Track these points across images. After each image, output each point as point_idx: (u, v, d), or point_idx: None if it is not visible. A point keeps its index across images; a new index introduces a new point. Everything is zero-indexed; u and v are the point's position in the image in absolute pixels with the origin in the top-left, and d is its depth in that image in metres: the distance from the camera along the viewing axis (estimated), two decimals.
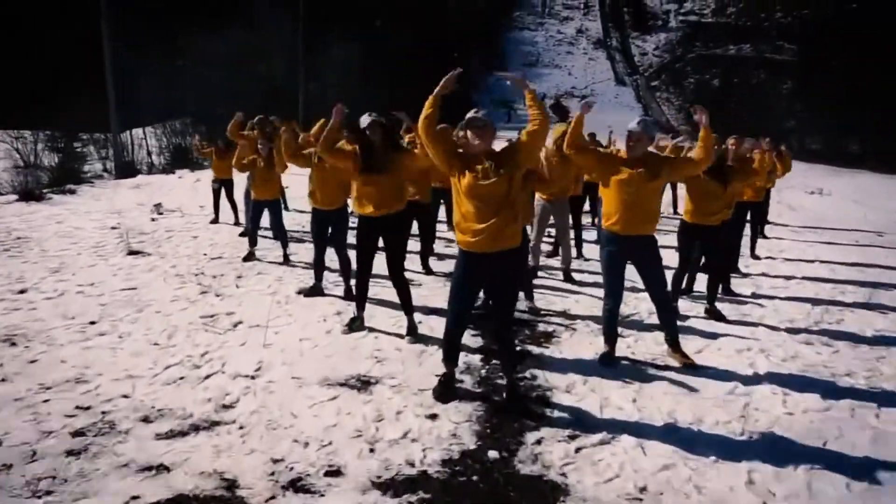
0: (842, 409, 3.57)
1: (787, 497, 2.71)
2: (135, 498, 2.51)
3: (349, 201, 5.13)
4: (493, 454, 2.96)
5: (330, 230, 5.60)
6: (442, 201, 7.29)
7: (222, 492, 2.58)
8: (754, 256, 7.84)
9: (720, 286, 5.54)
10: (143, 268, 6.55)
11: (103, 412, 3.28)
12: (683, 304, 5.41)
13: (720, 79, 62.59)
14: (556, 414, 3.42)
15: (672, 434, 3.21)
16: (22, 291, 5.57)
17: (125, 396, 3.49)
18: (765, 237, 9.26)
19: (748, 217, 7.40)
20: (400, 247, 4.69)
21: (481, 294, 3.89)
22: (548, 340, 4.62)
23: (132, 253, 7.19)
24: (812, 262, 7.83)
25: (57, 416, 3.23)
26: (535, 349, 4.41)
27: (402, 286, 4.57)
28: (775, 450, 3.08)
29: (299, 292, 5.74)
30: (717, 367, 4.15)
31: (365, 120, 4.35)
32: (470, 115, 3.31)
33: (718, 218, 5.13)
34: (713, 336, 4.77)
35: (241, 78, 27.04)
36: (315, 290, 5.67)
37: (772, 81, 57.19)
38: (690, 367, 4.07)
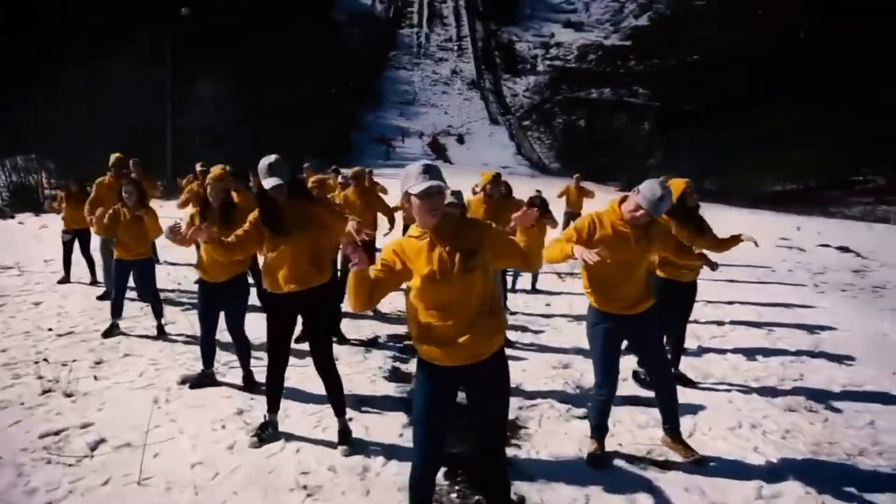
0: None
1: None
2: None
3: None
4: None
5: (223, 306, 4.35)
6: None
7: None
8: None
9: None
10: None
11: None
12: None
13: (585, 120, 66.94)
14: None
15: None
16: None
17: None
18: None
19: None
20: (325, 330, 3.62)
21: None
22: (514, 434, 3.75)
23: None
24: (731, 303, 7.69)
25: None
26: (509, 450, 3.51)
27: (333, 378, 3.51)
28: None
29: (183, 382, 4.44)
30: (720, 457, 3.49)
31: (269, 181, 3.21)
32: (412, 170, 2.31)
33: (693, 273, 4.63)
34: (692, 411, 4.14)
35: (97, 112, 24.21)
36: (204, 379, 4.40)
37: (631, 123, 62.08)
38: (697, 463, 3.37)
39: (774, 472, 3.31)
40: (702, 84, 51.31)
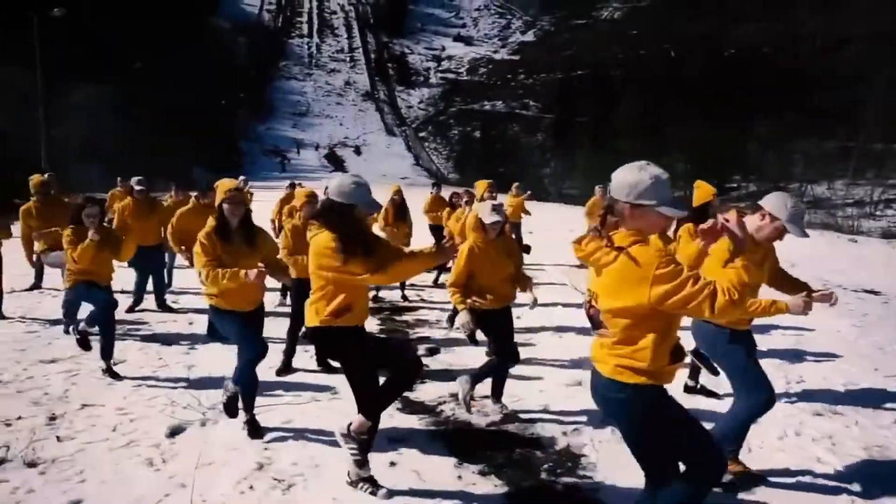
0: None
1: None
2: None
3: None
4: None
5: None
6: None
7: None
8: None
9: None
10: None
11: None
12: None
13: (480, 131, 68.47)
14: None
15: None
16: None
17: None
18: None
19: None
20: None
21: None
22: (575, 463, 3.46)
23: None
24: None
25: None
26: (577, 480, 3.22)
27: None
28: None
29: (172, 434, 3.74)
30: (787, 468, 3.42)
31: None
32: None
33: None
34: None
35: None
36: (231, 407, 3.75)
37: (525, 134, 64.29)
38: (756, 479, 3.25)
39: (842, 476, 3.27)
40: (590, 96, 54.22)
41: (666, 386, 2.20)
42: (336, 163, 63.53)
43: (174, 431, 3.80)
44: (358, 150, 69.50)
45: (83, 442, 3.65)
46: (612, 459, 3.45)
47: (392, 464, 3.41)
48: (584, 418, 4.06)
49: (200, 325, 6.06)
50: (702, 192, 4.40)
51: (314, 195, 4.87)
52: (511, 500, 3.10)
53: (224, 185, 3.71)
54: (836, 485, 3.24)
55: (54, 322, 6.03)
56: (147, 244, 6.26)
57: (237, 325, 3.64)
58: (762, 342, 6.04)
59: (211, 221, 3.61)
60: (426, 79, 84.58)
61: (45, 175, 7.23)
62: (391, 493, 3.00)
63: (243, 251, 3.62)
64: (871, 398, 4.59)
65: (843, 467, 3.44)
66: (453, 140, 70.89)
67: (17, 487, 3.10)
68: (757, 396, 3.14)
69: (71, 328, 5.03)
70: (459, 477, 3.31)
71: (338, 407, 4.11)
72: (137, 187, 6.72)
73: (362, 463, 2.99)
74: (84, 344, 4.78)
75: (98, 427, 3.86)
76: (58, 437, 3.70)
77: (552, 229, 14.27)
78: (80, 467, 3.34)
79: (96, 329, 4.74)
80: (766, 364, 5.14)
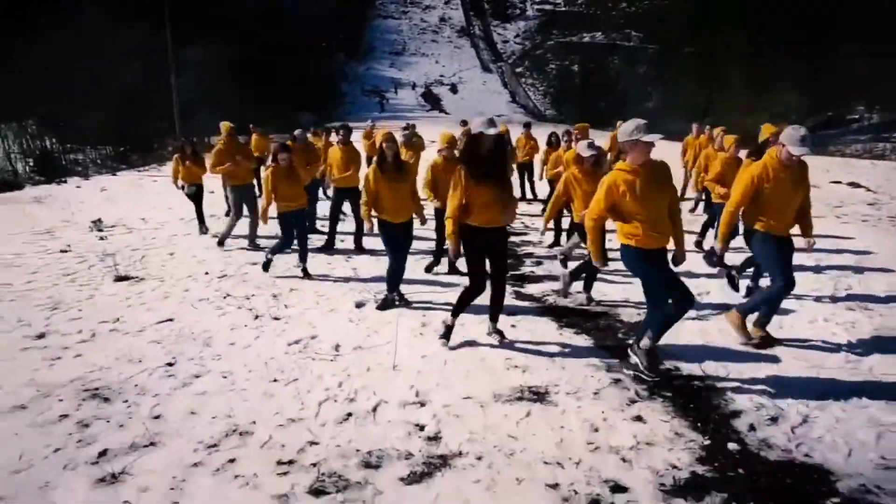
0: None
1: None
2: None
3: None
4: (732, 446, 3.11)
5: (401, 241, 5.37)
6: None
7: None
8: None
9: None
10: (154, 295, 5.85)
11: (313, 464, 2.97)
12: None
13: (579, 65, 66.41)
14: (738, 401, 3.63)
15: (843, 399, 3.55)
16: (41, 336, 4.77)
17: (313, 443, 3.17)
18: None
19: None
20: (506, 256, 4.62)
21: None
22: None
23: (121, 279, 6.39)
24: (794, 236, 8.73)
25: (266, 477, 2.87)
26: (675, 342, 4.61)
27: (502, 293, 4.53)
28: None
29: (357, 306, 5.46)
30: (809, 339, 4.60)
31: (491, 130, 4.14)
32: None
33: None
34: (784, 311, 5.17)
35: (91, 75, 24.32)
36: (390, 302, 5.44)
37: (626, 66, 61.85)
38: (773, 341, 4.48)
39: (851, 346, 4.42)
40: (697, 25, 51.19)
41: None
42: (433, 101, 64.53)
43: (359, 304, 5.52)
44: (454, 88, 69.93)
45: (300, 309, 5.43)
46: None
47: (513, 326, 4.92)
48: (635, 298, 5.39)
49: (348, 241, 7.81)
50: (763, 132, 5.46)
51: (454, 139, 6.22)
52: (596, 349, 4.52)
53: (380, 132, 5.29)
54: (838, 348, 4.40)
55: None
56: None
57: (391, 233, 5.22)
58: (830, 259, 7.00)
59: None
60: (522, 11, 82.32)
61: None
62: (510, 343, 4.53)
63: (396, 179, 5.14)
64: None
65: (854, 339, 4.58)
66: (550, 75, 69.44)
67: (275, 329, 4.91)
68: (779, 282, 4.32)
69: (266, 252, 6.77)
70: (560, 334, 4.78)
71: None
72: (297, 133, 8.55)
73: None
74: (266, 267, 6.52)
75: (306, 301, 5.65)
76: (285, 305, 5.53)
77: None
78: (308, 320, 5.12)
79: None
80: (826, 274, 6.17)
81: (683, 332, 4.69)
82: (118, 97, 24.25)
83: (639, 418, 3.40)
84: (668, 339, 4.60)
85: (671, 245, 3.86)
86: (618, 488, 2.76)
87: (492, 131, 4.02)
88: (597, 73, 61.21)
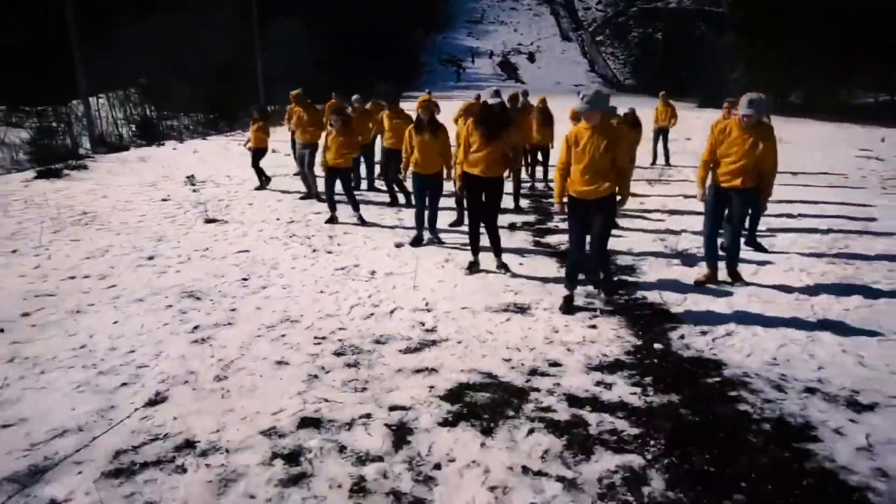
0: (880, 305, 4.77)
1: (869, 357, 3.84)
2: (431, 387, 3.40)
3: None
4: (657, 346, 3.99)
5: (428, 190, 6.42)
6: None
7: (490, 380, 3.51)
8: None
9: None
10: (235, 234, 7.18)
11: (339, 340, 4.11)
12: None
13: (663, 32, 64.03)
14: (676, 317, 4.47)
15: (770, 325, 4.31)
16: (151, 258, 6.17)
17: (342, 328, 4.31)
18: None
19: None
20: (496, 203, 5.58)
21: None
22: (635, 272, 5.67)
23: (210, 221, 7.78)
24: (801, 202, 9.13)
25: (306, 344, 4.04)
26: (629, 278, 5.46)
27: (496, 236, 5.52)
28: (855, 335, 4.21)
29: (397, 246, 6.56)
30: (775, 283, 5.29)
31: (492, 100, 5.11)
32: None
33: None
34: (760, 263, 5.92)
35: (185, 50, 26.50)
36: (419, 241, 6.53)
37: (713, 34, 59.12)
38: (739, 280, 5.21)
39: (810, 289, 5.09)
40: None
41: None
42: (509, 70, 64.41)
43: (398, 245, 6.62)
44: (532, 57, 69.29)
45: (351, 246, 6.60)
46: (656, 271, 5.61)
47: (520, 264, 5.88)
48: (653, 256, 6.19)
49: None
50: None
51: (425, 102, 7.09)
52: (584, 282, 5.40)
53: (420, 99, 6.29)
54: (795, 290, 5.08)
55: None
56: (365, 142, 9.21)
57: (419, 183, 6.27)
58: (841, 223, 7.46)
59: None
60: None
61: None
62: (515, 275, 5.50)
63: (427, 138, 6.14)
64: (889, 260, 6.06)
65: (813, 284, 5.24)
66: (632, 43, 67.45)
67: (327, 260, 6.10)
68: (706, 229, 5.17)
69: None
70: (559, 271, 5.70)
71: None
72: (355, 98, 9.74)
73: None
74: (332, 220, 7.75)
75: (355, 241, 6.81)
76: (338, 244, 6.72)
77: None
78: (354, 255, 6.27)
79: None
80: (829, 236, 6.70)
81: (665, 274, 5.50)
82: (210, 70, 26.36)
83: (593, 326, 4.33)
84: (646, 277, 5.46)
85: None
86: (555, 364, 3.72)
87: (494, 100, 4.96)
88: (681, 41, 58.98)
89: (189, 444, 2.87)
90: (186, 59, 26.45)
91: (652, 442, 2.87)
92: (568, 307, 4.59)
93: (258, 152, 9.98)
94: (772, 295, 4.98)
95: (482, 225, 5.51)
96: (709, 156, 5.03)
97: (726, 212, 5.24)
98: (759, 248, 6.42)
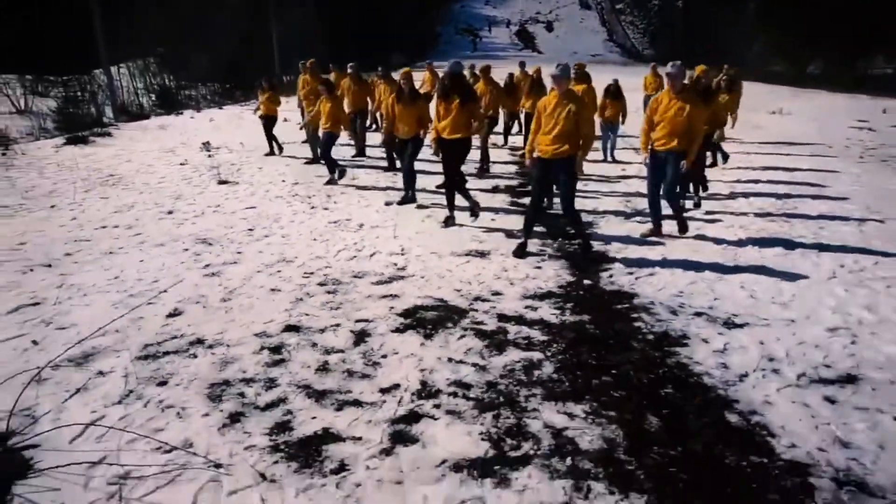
0: (794, 255, 5.49)
1: (760, 291, 4.59)
2: (391, 308, 4.25)
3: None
4: (587, 282, 4.79)
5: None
6: None
7: (441, 304, 4.35)
8: (725, 158, 9.67)
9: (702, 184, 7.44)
10: (244, 193, 8.05)
11: (324, 275, 4.97)
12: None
13: (683, 1, 62.88)
14: (616, 263, 5.25)
15: (689, 268, 5.08)
16: (170, 212, 7.06)
17: (328, 267, 5.17)
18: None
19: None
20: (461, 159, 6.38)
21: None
22: (590, 226, 6.44)
23: (222, 182, 8.65)
24: (776, 168, 9.74)
25: (296, 277, 4.91)
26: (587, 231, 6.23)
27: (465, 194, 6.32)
28: (758, 275, 4.97)
29: (387, 204, 7.38)
30: (714, 236, 6.03)
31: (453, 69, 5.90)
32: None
33: (709, 129, 6.87)
34: (710, 221, 6.63)
35: (203, 20, 27.17)
36: (406, 200, 7.35)
37: (734, 4, 58.00)
38: (685, 233, 5.94)
39: (739, 242, 5.83)
40: None
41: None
42: (526, 39, 63.95)
43: (387, 203, 7.44)
44: (549, 27, 68.59)
45: (344, 204, 7.44)
46: (611, 226, 6.37)
47: (492, 220, 6.66)
48: (612, 214, 6.94)
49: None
50: (696, 71, 6.74)
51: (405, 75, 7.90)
52: (543, 235, 6.18)
53: (403, 71, 7.04)
54: (725, 242, 5.82)
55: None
56: (361, 108, 9.99)
57: (403, 146, 7.07)
58: (795, 188, 8.10)
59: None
60: None
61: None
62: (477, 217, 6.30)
63: (407, 106, 6.87)
64: (835, 217, 6.73)
65: (745, 237, 5.96)
66: (652, 12, 66.43)
67: (322, 215, 6.94)
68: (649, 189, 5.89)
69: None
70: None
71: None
72: (350, 68, 10.48)
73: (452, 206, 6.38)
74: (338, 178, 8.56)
75: (350, 200, 7.64)
76: (335, 202, 7.55)
77: None
78: (349, 211, 7.10)
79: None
80: (781, 201, 7.36)
81: (617, 230, 6.27)
82: (227, 40, 27.07)
83: (538, 267, 5.13)
84: (600, 231, 6.22)
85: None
86: (497, 293, 4.55)
87: (458, 70, 5.75)
88: (701, 11, 57.98)
89: (199, 341, 3.76)
90: (204, 30, 27.21)
91: (554, 345, 3.69)
92: (520, 252, 5.39)
93: (269, 120, 10.76)
94: (704, 245, 5.73)
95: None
96: (647, 124, 5.73)
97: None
98: (696, 205, 7.13)
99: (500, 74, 10.53)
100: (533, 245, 5.63)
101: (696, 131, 5.52)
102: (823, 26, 35.48)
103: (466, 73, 8.67)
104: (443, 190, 8.19)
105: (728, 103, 8.87)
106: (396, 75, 9.84)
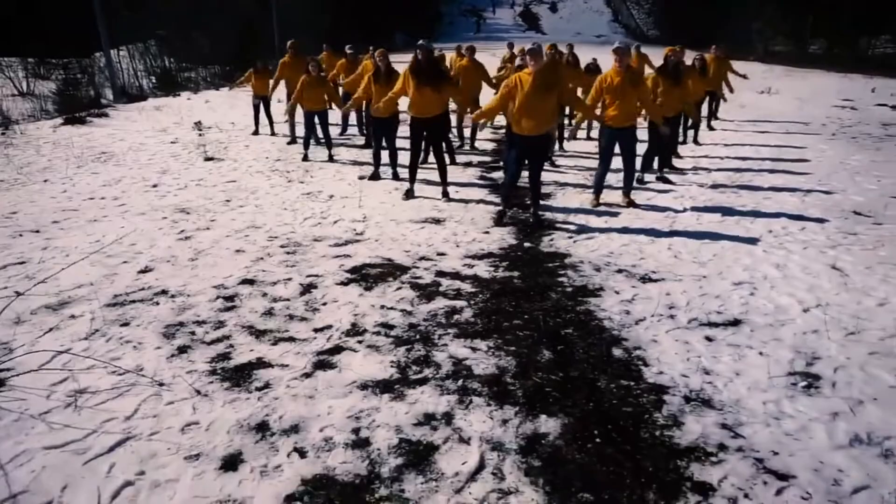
0: (730, 221, 5.87)
1: (685, 252, 4.98)
2: (341, 265, 4.68)
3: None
4: (527, 244, 5.20)
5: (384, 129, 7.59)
6: None
7: (387, 262, 4.77)
8: (696, 143, 10.01)
9: (667, 161, 7.76)
10: (227, 168, 8.47)
11: (287, 238, 5.40)
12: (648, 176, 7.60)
13: None
14: (560, 229, 5.65)
15: (627, 233, 5.47)
16: (155, 186, 7.50)
17: (292, 232, 5.60)
18: (712, 129, 11.47)
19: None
20: (442, 137, 6.72)
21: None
22: (548, 198, 6.83)
23: (208, 159, 9.07)
24: (746, 145, 10.05)
25: (261, 240, 5.34)
26: (542, 202, 6.61)
27: (443, 166, 6.67)
28: (688, 238, 5.35)
29: (360, 178, 7.78)
30: (659, 205, 6.41)
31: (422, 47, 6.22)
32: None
33: (675, 110, 7.20)
34: (662, 191, 7.01)
35: (204, 2, 27.39)
36: (375, 176, 7.74)
37: None
38: (634, 206, 6.31)
39: (684, 210, 6.20)
40: None
41: None
42: (530, 21, 63.64)
43: (360, 177, 7.84)
44: (554, 7, 68.15)
45: (321, 178, 7.84)
46: (567, 199, 6.76)
47: (456, 191, 7.05)
48: (571, 186, 7.32)
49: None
50: (664, 52, 7.05)
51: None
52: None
53: (379, 51, 7.37)
54: (668, 210, 6.19)
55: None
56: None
57: (378, 125, 7.45)
58: (755, 163, 8.42)
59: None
60: None
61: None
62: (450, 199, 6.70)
63: (383, 85, 7.21)
64: (749, 212, 7.08)
65: (689, 207, 6.33)
66: None
67: (297, 187, 7.36)
68: (600, 167, 6.27)
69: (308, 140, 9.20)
70: (486, 195, 6.87)
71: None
72: (349, 50, 10.77)
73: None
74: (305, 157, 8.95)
75: (326, 174, 8.05)
76: (311, 176, 7.96)
77: None
78: (322, 184, 7.51)
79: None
80: (740, 174, 7.69)
81: (572, 201, 6.66)
82: (227, 22, 27.32)
83: (486, 232, 5.54)
84: (555, 202, 6.62)
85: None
86: (441, 254, 4.97)
87: (429, 48, 6.09)
88: None
89: (164, 292, 4.21)
90: (205, 12, 27.48)
91: (480, 296, 4.12)
92: (499, 220, 5.80)
93: (265, 99, 11.08)
94: (648, 214, 6.12)
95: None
96: (591, 101, 6.07)
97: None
98: (665, 180, 7.48)
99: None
100: (488, 213, 6.02)
101: (648, 105, 5.93)
102: (825, 3, 35.25)
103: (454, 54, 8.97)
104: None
105: (700, 84, 9.13)
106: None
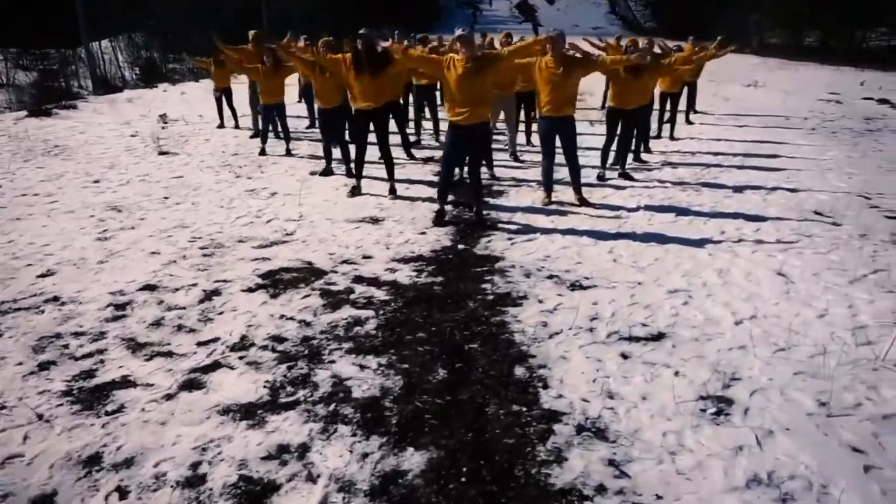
0: (683, 221, 5.58)
1: (626, 256, 4.69)
2: (256, 269, 4.40)
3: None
4: (461, 246, 4.91)
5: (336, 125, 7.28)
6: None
7: (306, 266, 4.48)
8: (672, 138, 9.71)
9: (630, 155, 7.45)
10: (179, 163, 8.17)
11: (211, 239, 5.11)
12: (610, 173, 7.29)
13: None
14: (502, 229, 5.36)
15: (571, 234, 5.18)
16: (96, 181, 7.20)
17: (219, 232, 5.31)
18: (690, 123, 11.15)
19: (667, 104, 9.51)
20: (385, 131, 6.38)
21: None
22: (500, 196, 6.53)
23: (162, 153, 8.76)
24: (721, 140, 9.74)
25: (182, 241, 5.05)
26: (491, 200, 6.32)
27: (389, 160, 6.36)
28: (633, 241, 5.06)
29: (311, 174, 7.48)
30: (613, 204, 6.11)
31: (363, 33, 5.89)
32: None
33: (635, 103, 6.88)
34: (620, 188, 6.71)
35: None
36: (326, 172, 7.43)
37: None
38: (587, 205, 6.01)
39: (638, 209, 5.91)
40: None
41: None
42: (527, 13, 63.09)
43: (312, 173, 7.54)
44: None
45: (270, 174, 7.54)
46: (521, 197, 6.46)
47: (406, 188, 6.75)
48: (527, 183, 7.02)
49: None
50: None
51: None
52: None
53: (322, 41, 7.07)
54: (621, 209, 5.90)
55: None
56: None
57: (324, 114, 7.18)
58: (725, 159, 8.11)
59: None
60: None
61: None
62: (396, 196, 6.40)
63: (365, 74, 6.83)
64: (706, 213, 6.78)
65: (643, 205, 6.03)
66: None
67: (244, 183, 7.06)
68: (544, 160, 5.98)
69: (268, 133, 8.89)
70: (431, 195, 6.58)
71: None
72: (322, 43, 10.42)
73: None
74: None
75: (278, 171, 7.75)
76: (261, 171, 7.65)
77: None
78: (270, 181, 7.21)
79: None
80: (717, 168, 7.41)
81: (522, 200, 6.36)
82: (216, 12, 26.89)
83: (423, 233, 5.25)
84: (505, 201, 6.32)
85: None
86: (367, 257, 4.68)
87: (370, 36, 5.75)
88: None
89: (55, 299, 3.92)
90: (195, 3, 27.04)
91: (391, 305, 3.83)
92: (439, 220, 5.49)
93: (227, 91, 10.75)
94: (599, 213, 5.82)
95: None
96: (539, 92, 5.77)
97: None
98: (628, 178, 7.17)
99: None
100: (433, 212, 5.73)
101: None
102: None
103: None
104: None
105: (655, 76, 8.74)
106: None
